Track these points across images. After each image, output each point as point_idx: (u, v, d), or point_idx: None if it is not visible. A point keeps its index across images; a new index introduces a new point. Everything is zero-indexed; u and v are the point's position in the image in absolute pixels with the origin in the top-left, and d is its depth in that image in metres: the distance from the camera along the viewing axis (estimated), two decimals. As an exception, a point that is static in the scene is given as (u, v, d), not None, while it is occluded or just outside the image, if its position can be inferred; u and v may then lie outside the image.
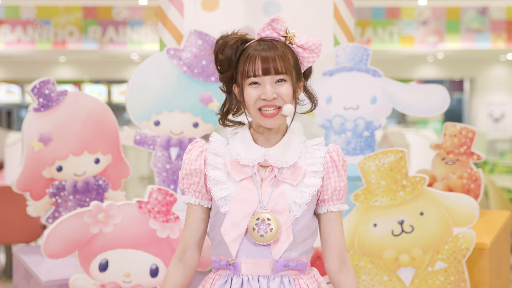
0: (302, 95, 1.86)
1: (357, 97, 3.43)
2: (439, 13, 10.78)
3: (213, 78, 3.38)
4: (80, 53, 10.77)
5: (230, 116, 1.84)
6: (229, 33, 1.78)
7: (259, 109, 1.73)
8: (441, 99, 3.36)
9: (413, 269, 2.76)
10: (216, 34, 3.44)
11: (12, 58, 11.43)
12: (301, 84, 1.82)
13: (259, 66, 1.71)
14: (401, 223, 2.76)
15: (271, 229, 1.72)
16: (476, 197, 3.17)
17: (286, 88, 1.73)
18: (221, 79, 1.81)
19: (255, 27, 3.52)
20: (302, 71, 1.82)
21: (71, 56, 11.48)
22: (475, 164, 3.26)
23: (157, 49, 3.94)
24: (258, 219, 1.73)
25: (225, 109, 1.83)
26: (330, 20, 3.61)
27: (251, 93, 1.73)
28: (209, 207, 1.83)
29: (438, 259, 2.75)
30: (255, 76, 1.72)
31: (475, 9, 10.75)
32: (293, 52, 1.77)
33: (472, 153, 3.15)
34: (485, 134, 10.65)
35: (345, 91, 3.43)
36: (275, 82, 1.73)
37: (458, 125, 3.15)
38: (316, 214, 1.84)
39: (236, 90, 1.79)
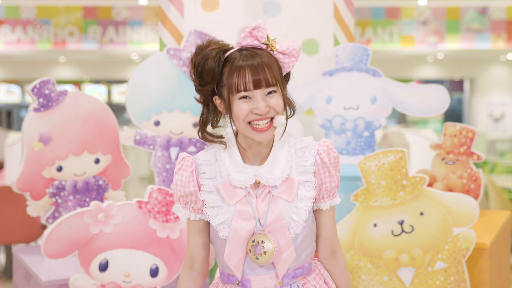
0: None
1: (357, 97, 3.43)
2: (439, 13, 10.78)
3: (213, 78, 3.38)
4: (80, 53, 10.77)
5: (209, 128, 1.79)
6: (205, 43, 1.71)
7: (249, 122, 1.69)
8: (441, 99, 3.36)
9: (413, 269, 2.76)
10: (216, 34, 3.46)
11: (12, 58, 11.43)
12: (285, 91, 1.77)
13: (249, 80, 1.65)
14: (401, 223, 2.76)
15: (264, 252, 1.71)
16: (476, 197, 3.17)
17: (277, 99, 1.69)
18: (200, 91, 1.75)
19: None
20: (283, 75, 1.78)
21: (71, 56, 11.48)
22: (475, 164, 3.26)
23: (157, 49, 3.94)
24: (254, 241, 1.72)
25: (202, 121, 1.77)
26: (330, 20, 3.61)
27: (242, 108, 1.67)
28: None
29: (438, 259, 2.75)
30: (246, 90, 1.66)
31: (475, 9, 10.75)
32: (276, 59, 1.72)
33: (472, 153, 3.15)
34: (485, 134, 10.65)
35: (345, 91, 3.43)
36: (266, 94, 1.68)
37: (458, 125, 3.15)
38: None
39: (217, 101, 1.74)
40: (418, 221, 2.75)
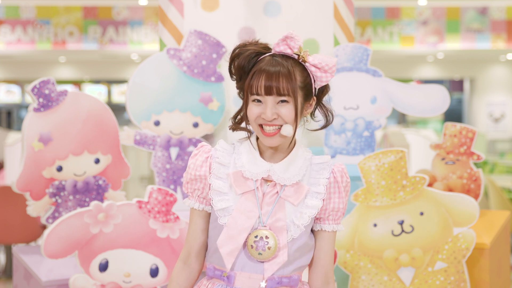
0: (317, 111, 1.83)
1: (357, 97, 3.43)
2: (439, 13, 10.78)
3: (213, 78, 3.38)
4: (80, 53, 10.78)
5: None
6: (248, 42, 1.76)
7: (260, 125, 1.73)
8: (441, 99, 3.36)
9: (413, 269, 2.76)
10: (216, 34, 3.47)
11: (12, 58, 11.43)
12: (312, 102, 1.78)
13: (262, 85, 1.69)
14: (401, 223, 2.76)
15: (269, 248, 1.71)
16: (476, 197, 3.17)
17: (287, 109, 1.71)
18: (237, 87, 1.80)
19: (255, 27, 3.52)
20: (317, 88, 1.78)
21: (71, 56, 11.48)
22: (475, 164, 3.26)
23: (157, 49, 3.94)
24: (256, 236, 1.72)
25: (239, 117, 1.81)
26: (330, 20, 3.61)
27: (253, 110, 1.72)
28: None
29: (438, 259, 2.75)
30: (258, 94, 1.71)
31: (475, 9, 10.75)
32: (303, 71, 1.74)
33: (472, 153, 3.15)
34: (485, 134, 10.66)
35: (345, 91, 3.43)
36: (277, 103, 1.71)
37: (458, 125, 3.15)
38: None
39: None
40: (418, 221, 2.75)
